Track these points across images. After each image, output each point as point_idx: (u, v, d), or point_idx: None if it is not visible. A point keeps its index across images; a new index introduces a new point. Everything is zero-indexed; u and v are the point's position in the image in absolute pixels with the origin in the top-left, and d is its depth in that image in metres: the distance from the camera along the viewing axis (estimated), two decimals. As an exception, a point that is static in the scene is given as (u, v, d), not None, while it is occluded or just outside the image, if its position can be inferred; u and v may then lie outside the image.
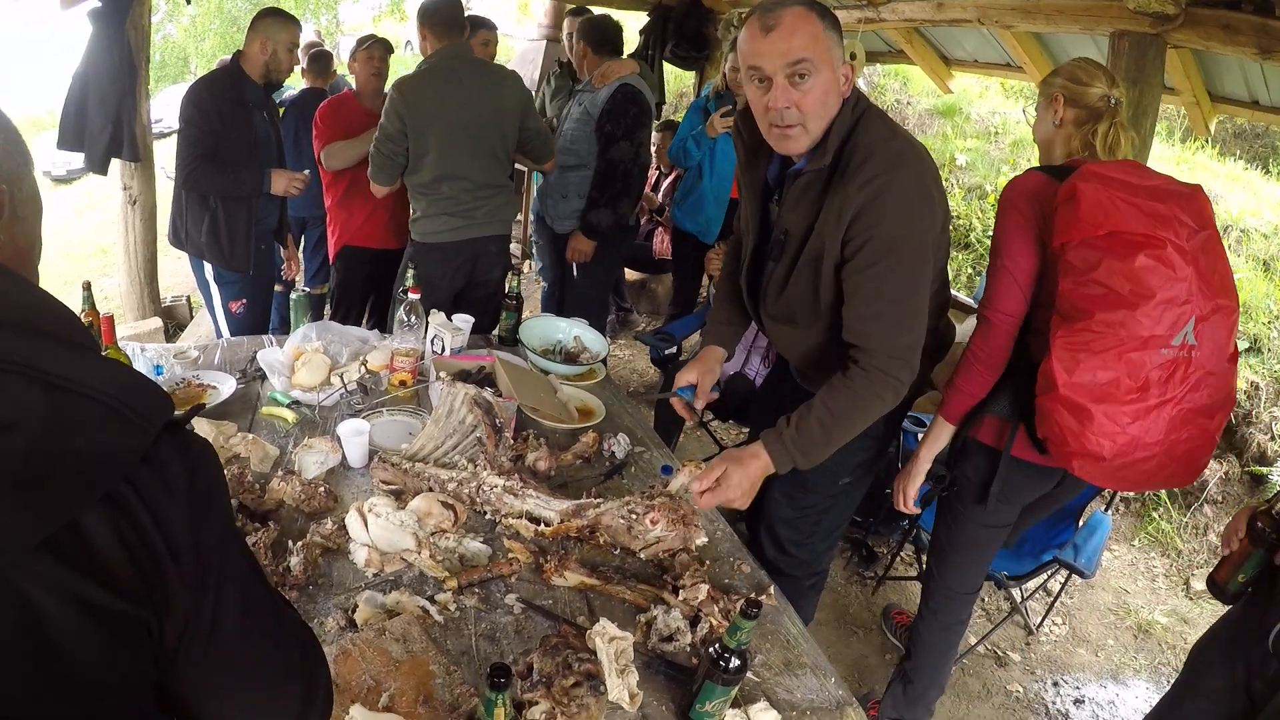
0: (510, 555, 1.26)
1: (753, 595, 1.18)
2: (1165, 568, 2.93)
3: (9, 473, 0.44)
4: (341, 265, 2.95)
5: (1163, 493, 3.14)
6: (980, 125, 5.77)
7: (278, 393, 1.70)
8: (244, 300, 2.61)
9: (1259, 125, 6.09)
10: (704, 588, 1.18)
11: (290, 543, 1.21)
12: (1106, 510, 2.26)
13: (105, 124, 3.14)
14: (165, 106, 7.21)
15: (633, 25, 4.71)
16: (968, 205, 4.76)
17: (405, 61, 10.29)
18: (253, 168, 2.44)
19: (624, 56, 2.85)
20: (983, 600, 2.58)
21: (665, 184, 4.27)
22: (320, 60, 3.68)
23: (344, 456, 1.49)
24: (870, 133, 1.25)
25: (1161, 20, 2.28)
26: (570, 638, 1.05)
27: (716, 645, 0.96)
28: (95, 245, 6.40)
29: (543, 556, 1.26)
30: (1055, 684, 2.27)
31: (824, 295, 1.34)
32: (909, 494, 1.62)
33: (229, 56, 2.56)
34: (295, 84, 4.06)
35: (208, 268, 2.54)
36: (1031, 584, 2.37)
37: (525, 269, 4.93)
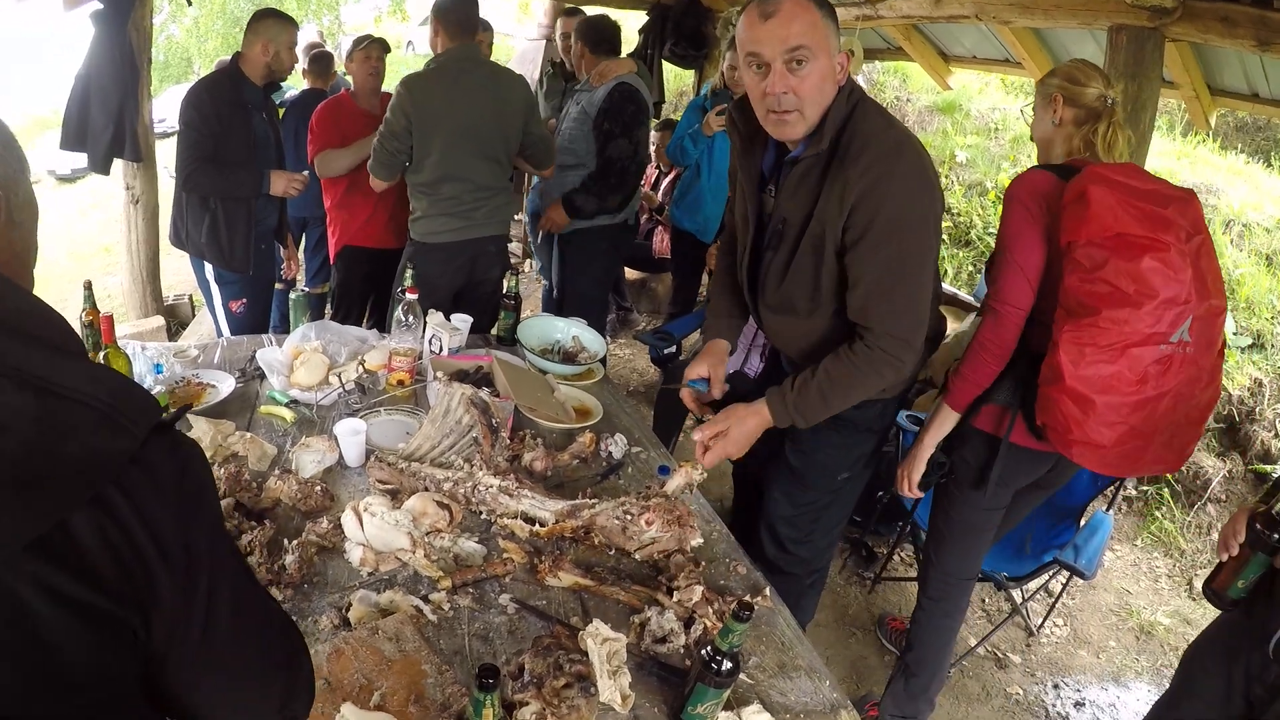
0: (505, 555, 1.26)
1: (747, 597, 1.18)
2: (1168, 568, 2.91)
3: (2, 473, 0.45)
4: (341, 265, 2.96)
5: (1165, 492, 3.12)
6: (980, 121, 5.74)
7: (276, 392, 1.71)
8: (244, 300, 2.62)
9: (1260, 118, 6.04)
10: (698, 589, 1.18)
11: (286, 541, 1.21)
12: (1108, 510, 2.25)
13: (107, 124, 3.16)
14: (169, 106, 7.23)
15: (631, 24, 4.70)
16: (968, 202, 4.72)
17: (406, 61, 10.30)
18: (252, 169, 2.45)
19: (622, 56, 2.85)
20: (983, 601, 2.57)
21: (665, 183, 4.27)
22: (321, 61, 3.69)
23: (341, 456, 1.49)
24: (868, 121, 1.28)
25: (1159, 14, 2.28)
26: (563, 638, 1.05)
27: (709, 648, 0.96)
28: (99, 244, 6.43)
29: (537, 557, 1.26)
30: (1056, 686, 2.26)
31: (825, 282, 1.37)
32: (913, 478, 1.66)
33: (228, 58, 2.57)
34: (296, 84, 4.07)
35: (208, 268, 2.55)
36: (1032, 585, 2.36)
37: (525, 268, 4.94)
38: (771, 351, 1.70)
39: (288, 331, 1.92)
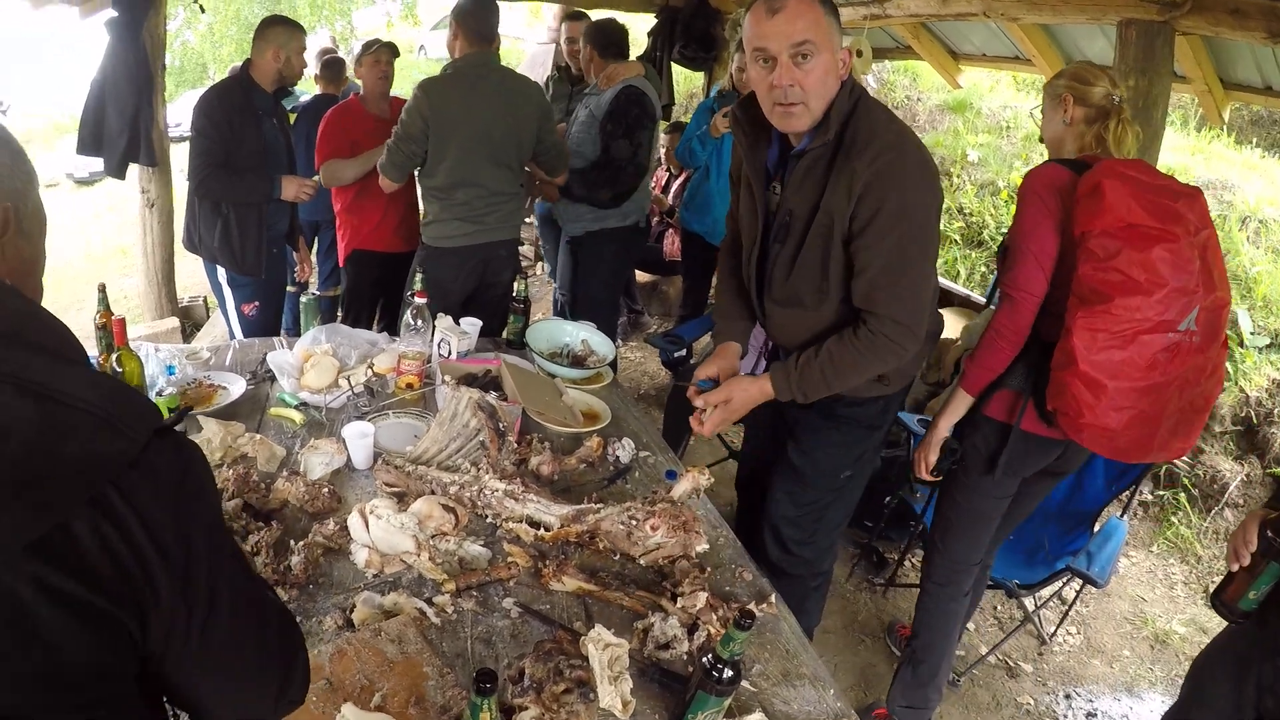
0: (509, 559, 1.27)
1: (749, 605, 1.17)
2: (1184, 575, 2.86)
3: (2, 475, 0.46)
4: (351, 269, 2.98)
5: (1181, 497, 3.07)
6: (992, 120, 5.67)
7: (286, 394, 1.72)
8: (256, 303, 2.66)
9: (1275, 112, 5.91)
10: (703, 595, 1.18)
11: (292, 542, 1.22)
12: (1122, 516, 2.21)
13: (123, 129, 3.21)
14: (184, 111, 7.33)
15: (641, 27, 4.70)
16: (980, 202, 4.65)
17: (418, 66, 10.37)
18: (263, 174, 2.48)
19: (630, 59, 2.85)
20: (994, 609, 2.54)
21: (675, 185, 4.27)
22: (333, 66, 3.72)
23: (349, 458, 1.50)
24: (871, 116, 1.33)
25: (1169, 7, 2.25)
26: (564, 643, 1.05)
27: (710, 655, 0.95)
28: (115, 246, 6.53)
29: (542, 561, 1.26)
30: (1068, 696, 2.23)
31: (833, 272, 1.40)
32: (930, 460, 1.69)
33: (239, 64, 2.61)
34: (309, 89, 4.11)
35: (221, 271, 2.59)
36: (1045, 592, 2.33)
37: (536, 271, 4.95)
38: (773, 351, 1.70)
39: (299, 334, 1.94)
